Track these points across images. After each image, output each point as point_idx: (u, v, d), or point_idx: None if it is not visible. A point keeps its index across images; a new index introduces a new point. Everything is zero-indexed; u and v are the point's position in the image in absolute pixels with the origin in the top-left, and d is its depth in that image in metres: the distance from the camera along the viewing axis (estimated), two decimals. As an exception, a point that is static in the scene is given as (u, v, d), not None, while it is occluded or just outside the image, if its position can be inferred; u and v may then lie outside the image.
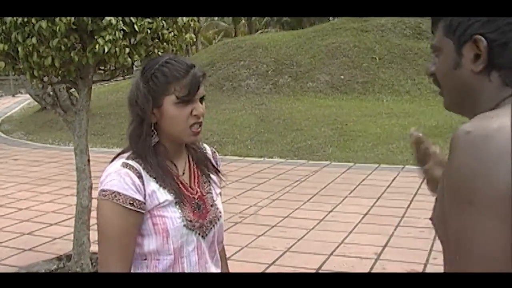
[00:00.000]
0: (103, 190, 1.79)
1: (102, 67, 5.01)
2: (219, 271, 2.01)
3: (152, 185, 1.82)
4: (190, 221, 1.84)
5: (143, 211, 1.80)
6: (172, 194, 1.84)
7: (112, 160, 1.89)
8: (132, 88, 1.86)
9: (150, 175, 1.83)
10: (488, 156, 1.07)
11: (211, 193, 1.98)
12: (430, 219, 1.33)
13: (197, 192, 1.93)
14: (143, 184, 1.80)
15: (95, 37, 4.24)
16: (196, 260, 1.87)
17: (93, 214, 5.26)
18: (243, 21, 41.19)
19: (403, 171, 9.19)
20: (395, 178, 8.77)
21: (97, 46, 4.20)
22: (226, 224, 3.88)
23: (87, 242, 4.93)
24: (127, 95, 1.89)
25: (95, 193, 5.87)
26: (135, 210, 1.78)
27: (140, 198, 1.79)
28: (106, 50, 4.18)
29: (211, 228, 1.92)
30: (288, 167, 9.97)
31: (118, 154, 1.90)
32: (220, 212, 1.98)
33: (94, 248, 5.33)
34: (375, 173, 9.26)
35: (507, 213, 1.05)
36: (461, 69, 1.28)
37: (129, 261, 1.81)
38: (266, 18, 39.83)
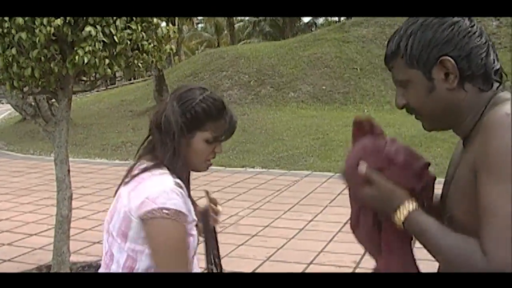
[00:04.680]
0: (166, 209, 1.79)
1: (83, 78, 5.03)
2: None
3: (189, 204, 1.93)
4: (199, 239, 2.00)
5: (194, 233, 1.93)
6: (194, 214, 1.95)
7: (143, 172, 1.88)
8: (168, 113, 1.89)
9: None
10: None
11: None
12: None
13: None
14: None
15: (75, 48, 4.26)
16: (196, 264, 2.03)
17: (73, 224, 5.28)
18: (226, 31, 41.33)
19: (383, 181, 9.25)
20: (375, 187, 8.83)
21: (76, 57, 4.22)
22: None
23: (66, 252, 4.93)
24: (156, 116, 1.93)
25: (75, 203, 5.82)
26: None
27: (194, 218, 1.92)
28: (85, 61, 4.20)
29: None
30: (269, 177, 10.02)
31: (148, 169, 1.89)
32: None
33: (73, 258, 5.33)
34: (355, 182, 9.31)
35: None
36: (436, 91, 1.38)
37: None
38: (248, 29, 39.98)
